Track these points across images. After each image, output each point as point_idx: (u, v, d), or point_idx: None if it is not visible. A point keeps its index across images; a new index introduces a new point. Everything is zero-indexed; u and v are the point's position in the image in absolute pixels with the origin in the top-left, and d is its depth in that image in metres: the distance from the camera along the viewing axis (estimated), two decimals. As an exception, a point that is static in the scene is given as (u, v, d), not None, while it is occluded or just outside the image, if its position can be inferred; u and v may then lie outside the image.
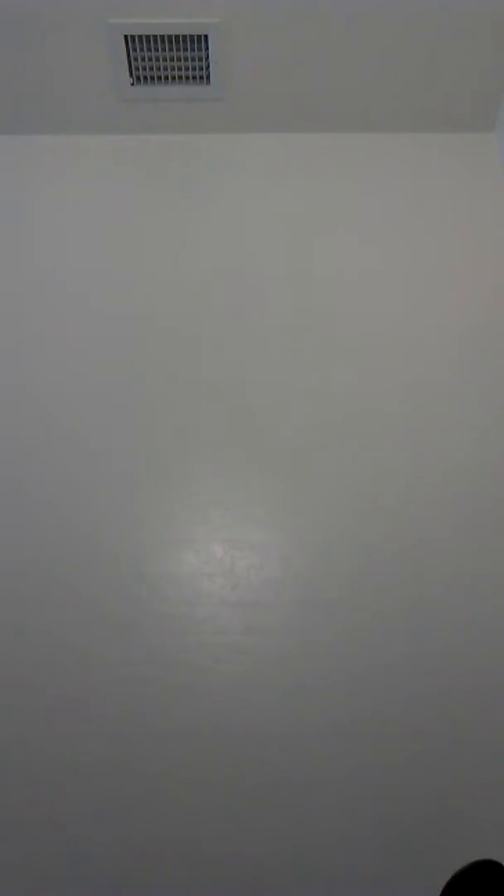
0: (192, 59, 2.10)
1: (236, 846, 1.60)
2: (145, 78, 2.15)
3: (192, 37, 2.05)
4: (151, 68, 2.12)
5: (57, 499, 1.87)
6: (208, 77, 2.14)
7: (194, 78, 2.15)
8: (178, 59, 2.10)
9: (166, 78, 2.15)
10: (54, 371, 2.00)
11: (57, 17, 2.00)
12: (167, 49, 2.08)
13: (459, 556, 1.81)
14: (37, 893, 1.59)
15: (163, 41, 2.06)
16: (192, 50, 2.08)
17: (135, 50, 2.08)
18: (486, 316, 2.08)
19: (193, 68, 2.12)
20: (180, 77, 2.15)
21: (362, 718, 1.68)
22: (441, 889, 1.06)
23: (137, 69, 2.13)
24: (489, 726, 1.68)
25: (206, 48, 2.07)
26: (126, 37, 2.05)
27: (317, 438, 1.93)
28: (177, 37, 2.05)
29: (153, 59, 2.10)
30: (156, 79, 2.15)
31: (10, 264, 2.13)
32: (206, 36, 2.04)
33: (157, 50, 2.08)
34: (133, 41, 2.06)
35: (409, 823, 1.60)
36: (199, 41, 2.06)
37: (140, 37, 2.05)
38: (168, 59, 2.10)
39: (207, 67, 2.12)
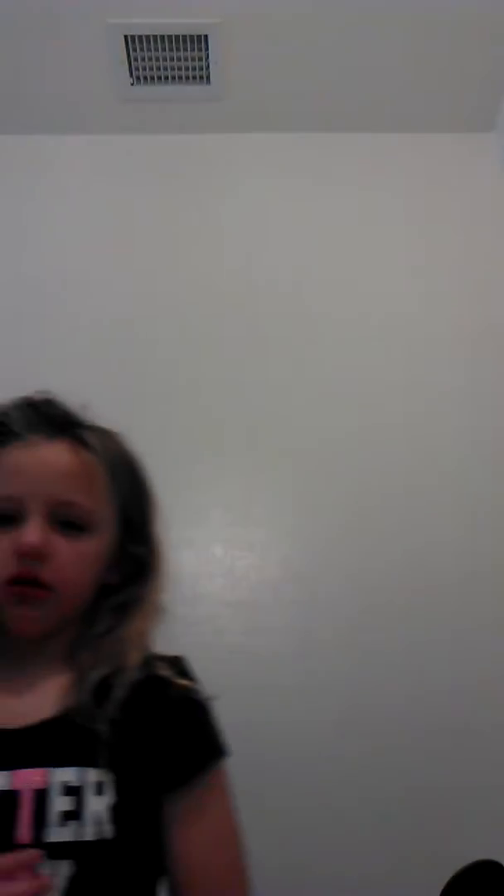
0: (192, 59, 2.10)
1: (236, 846, 1.60)
2: (145, 78, 2.14)
3: (192, 37, 2.05)
4: (151, 68, 2.12)
5: (57, 499, 1.86)
6: (208, 77, 2.14)
7: (194, 78, 2.15)
8: (178, 59, 2.10)
9: (166, 78, 2.15)
10: (54, 371, 1.99)
11: (57, 17, 1.99)
12: (167, 49, 2.08)
13: (460, 555, 1.81)
14: (37, 893, 1.59)
15: (163, 41, 2.06)
16: (192, 50, 2.08)
17: (135, 50, 2.08)
18: (487, 315, 2.08)
19: (193, 68, 2.12)
20: (180, 77, 2.14)
21: (363, 718, 1.68)
22: (441, 889, 1.06)
23: (137, 69, 2.12)
24: (490, 725, 1.68)
25: (206, 48, 2.07)
26: (126, 37, 2.05)
27: (317, 438, 1.93)
28: (177, 37, 2.05)
29: (153, 59, 2.10)
30: (156, 79, 2.15)
31: (10, 264, 2.13)
32: (206, 36, 2.04)
33: (157, 50, 2.08)
34: (133, 41, 2.06)
35: (410, 823, 1.60)
36: (199, 41, 2.06)
37: (140, 37, 2.05)
38: (168, 59, 2.10)
39: (207, 67, 2.12)
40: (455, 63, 2.13)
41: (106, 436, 0.96)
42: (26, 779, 0.75)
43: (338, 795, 1.63)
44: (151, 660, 0.89)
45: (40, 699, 0.83)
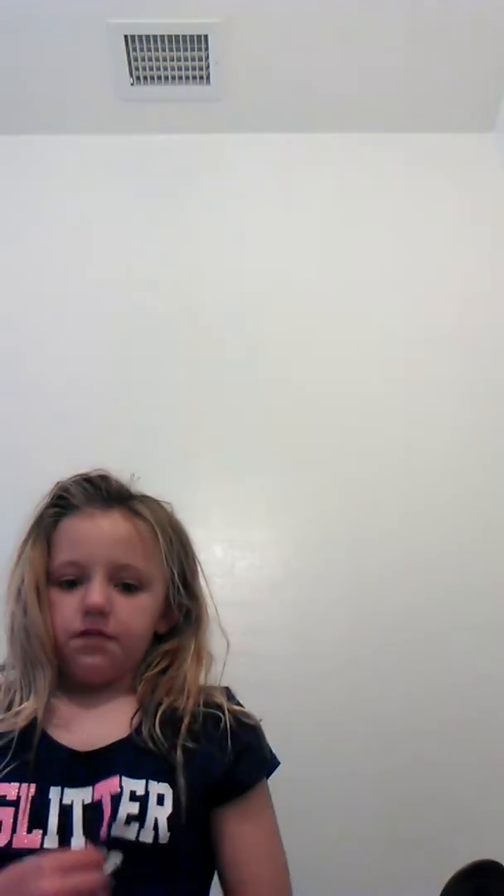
0: (192, 59, 2.10)
1: (236, 846, 1.60)
2: (145, 78, 2.15)
3: (192, 37, 2.05)
4: (151, 68, 2.13)
5: (57, 499, 1.86)
6: (208, 77, 2.14)
7: (194, 78, 2.15)
8: (178, 59, 2.10)
9: (166, 78, 2.15)
10: (53, 370, 2.00)
11: (57, 17, 2.00)
12: (167, 49, 2.08)
13: (459, 556, 1.81)
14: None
15: (163, 41, 2.06)
16: (192, 50, 2.08)
17: (135, 50, 2.08)
18: (486, 316, 2.08)
19: (193, 68, 2.12)
20: (180, 77, 2.14)
21: (362, 718, 1.68)
22: (441, 889, 1.06)
23: (137, 69, 2.13)
24: (489, 725, 1.68)
25: (206, 48, 2.07)
26: (126, 37, 2.05)
27: (317, 439, 1.93)
28: (177, 37, 2.05)
29: (153, 59, 2.10)
30: (156, 79, 2.15)
31: (10, 264, 2.13)
32: (206, 36, 2.04)
33: (157, 50, 2.08)
34: (133, 41, 2.06)
35: (410, 823, 1.60)
36: (199, 41, 2.06)
37: (140, 37, 2.05)
38: (168, 59, 2.10)
39: (207, 67, 2.12)
40: (455, 63, 2.13)
41: (153, 504, 1.10)
42: (105, 787, 0.87)
43: (337, 795, 1.63)
44: (206, 690, 1.02)
45: (109, 727, 0.95)
